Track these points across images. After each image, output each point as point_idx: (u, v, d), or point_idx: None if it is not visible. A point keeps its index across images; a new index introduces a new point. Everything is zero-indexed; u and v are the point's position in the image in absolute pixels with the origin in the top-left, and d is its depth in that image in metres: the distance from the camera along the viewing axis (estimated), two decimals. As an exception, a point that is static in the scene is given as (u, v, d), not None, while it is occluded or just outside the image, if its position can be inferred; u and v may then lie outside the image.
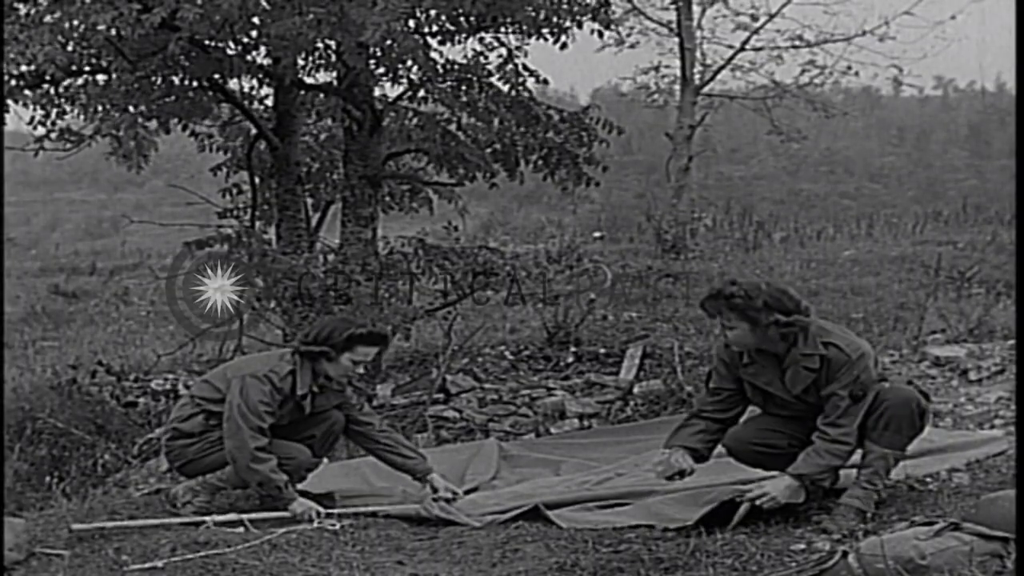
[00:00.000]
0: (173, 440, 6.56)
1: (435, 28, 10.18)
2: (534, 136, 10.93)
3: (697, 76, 20.56)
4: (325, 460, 7.14)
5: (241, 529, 6.08)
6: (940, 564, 4.52)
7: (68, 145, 10.87)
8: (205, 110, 10.60)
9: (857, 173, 54.82)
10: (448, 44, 10.40)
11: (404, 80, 10.55)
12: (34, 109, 10.22)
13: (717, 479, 6.27)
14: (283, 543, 5.81)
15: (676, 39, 20.30)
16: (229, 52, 9.68)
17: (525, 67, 10.58)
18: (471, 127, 11.22)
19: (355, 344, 6.42)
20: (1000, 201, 24.03)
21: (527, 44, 10.51)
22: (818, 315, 6.33)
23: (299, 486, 6.52)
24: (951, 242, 18.55)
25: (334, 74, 10.64)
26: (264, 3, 8.96)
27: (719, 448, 6.22)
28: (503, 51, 10.52)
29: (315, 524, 6.22)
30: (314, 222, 11.39)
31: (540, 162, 11.07)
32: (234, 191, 11.82)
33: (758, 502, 5.71)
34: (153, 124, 10.28)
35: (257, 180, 11.24)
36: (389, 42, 8.92)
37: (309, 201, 11.40)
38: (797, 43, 21.40)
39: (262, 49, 9.87)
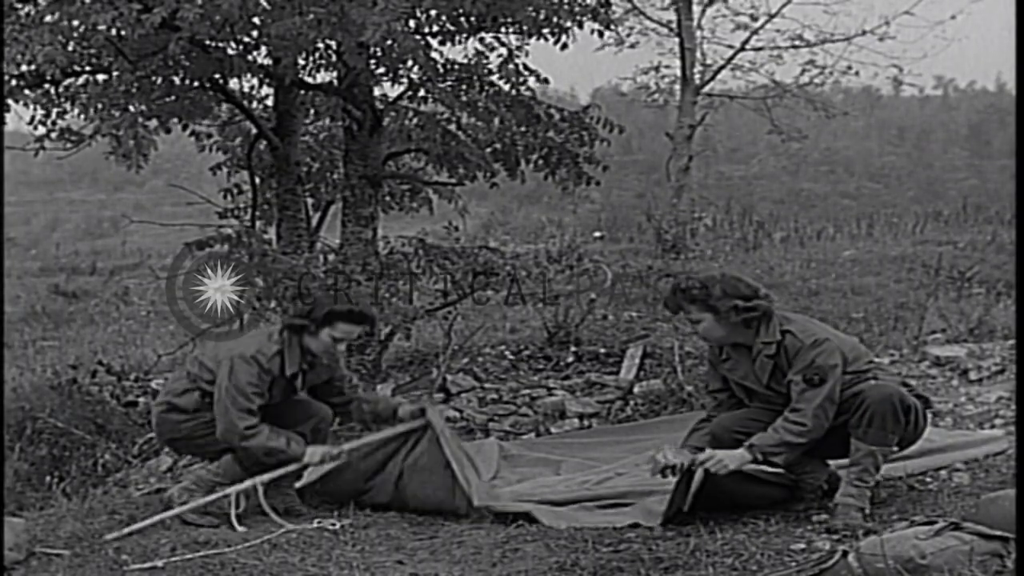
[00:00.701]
0: (167, 413, 6.55)
1: (435, 28, 10.18)
2: (534, 136, 10.93)
3: (697, 76, 20.56)
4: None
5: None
6: (940, 564, 4.52)
7: (68, 145, 10.87)
8: (205, 110, 10.60)
9: (857, 173, 54.88)
10: (448, 44, 10.40)
11: (404, 80, 10.55)
12: (34, 109, 10.21)
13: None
14: (283, 542, 5.82)
15: (676, 39, 20.29)
16: (229, 52, 9.67)
17: (525, 67, 10.57)
18: (471, 127, 11.22)
19: (335, 320, 6.43)
20: (1000, 201, 24.02)
21: (527, 44, 10.51)
22: (818, 315, 6.36)
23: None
24: (951, 242, 18.54)
25: (334, 74, 10.64)
26: (264, 3, 8.96)
27: None
28: (503, 51, 10.52)
29: (328, 465, 6.51)
30: (314, 222, 11.39)
31: (540, 162, 11.07)
32: (234, 191, 11.82)
33: (707, 465, 5.76)
34: (153, 124, 10.28)
35: (257, 180, 11.23)
36: (389, 42, 8.92)
37: (309, 201, 11.40)
38: (797, 43, 21.39)
39: (262, 49, 9.87)
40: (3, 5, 9.01)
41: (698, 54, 20.70)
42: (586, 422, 9.72)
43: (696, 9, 20.30)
